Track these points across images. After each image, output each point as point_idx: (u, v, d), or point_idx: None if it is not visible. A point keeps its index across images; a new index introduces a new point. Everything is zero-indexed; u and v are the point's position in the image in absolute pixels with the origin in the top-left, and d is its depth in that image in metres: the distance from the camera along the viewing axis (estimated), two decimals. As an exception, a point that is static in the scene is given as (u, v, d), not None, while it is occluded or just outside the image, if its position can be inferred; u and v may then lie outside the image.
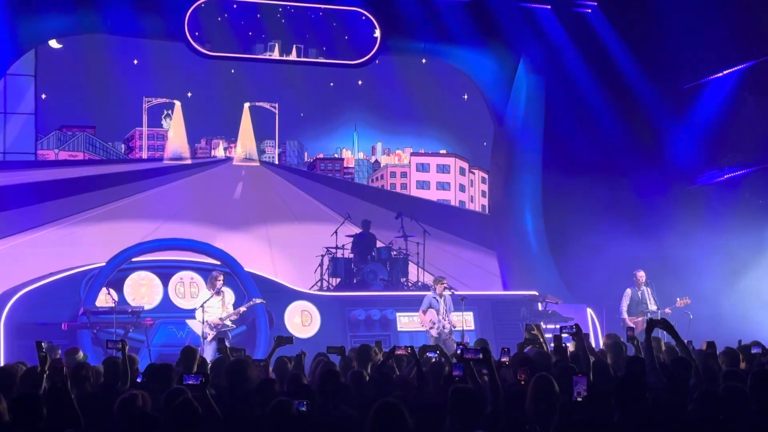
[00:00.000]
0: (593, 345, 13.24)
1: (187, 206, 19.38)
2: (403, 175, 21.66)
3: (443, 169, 21.68)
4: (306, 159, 21.26)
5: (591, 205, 17.91)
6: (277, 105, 20.69)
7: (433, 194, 21.78)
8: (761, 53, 17.59)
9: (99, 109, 19.17)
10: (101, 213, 19.03)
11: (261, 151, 20.95)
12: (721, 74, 18.18)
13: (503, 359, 8.36)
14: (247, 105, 20.51)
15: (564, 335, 8.59)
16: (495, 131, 20.36)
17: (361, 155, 21.56)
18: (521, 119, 19.46)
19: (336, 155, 21.40)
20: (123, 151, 19.87)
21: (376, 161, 21.64)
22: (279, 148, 21.07)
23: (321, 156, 21.25)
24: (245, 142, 20.81)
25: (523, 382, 7.05)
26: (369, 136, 21.56)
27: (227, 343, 10.72)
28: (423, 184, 21.81)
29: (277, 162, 21.04)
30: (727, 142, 18.13)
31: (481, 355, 6.66)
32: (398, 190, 21.50)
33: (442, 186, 21.72)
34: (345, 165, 21.36)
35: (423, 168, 21.87)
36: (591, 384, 6.55)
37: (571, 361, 8.10)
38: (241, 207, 20.16)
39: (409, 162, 21.57)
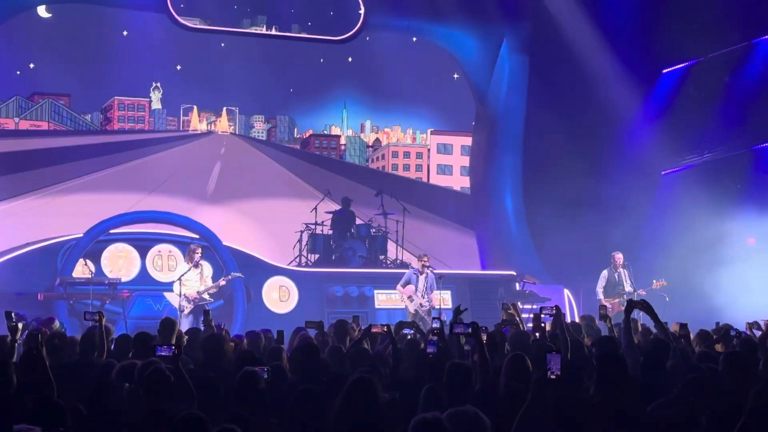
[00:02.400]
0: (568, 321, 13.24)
1: (167, 179, 19.28)
2: (406, 155, 21.35)
3: (469, 151, 21.33)
4: (296, 135, 21.16)
5: (570, 186, 17.90)
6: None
7: (456, 181, 21.23)
8: (741, 39, 17.60)
9: (78, 77, 18.98)
10: (80, 184, 18.92)
11: (250, 126, 20.84)
12: (702, 59, 18.18)
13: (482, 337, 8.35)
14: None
15: (543, 315, 8.62)
16: (477, 111, 20.32)
17: (350, 132, 21.46)
18: (503, 99, 19.41)
19: (325, 131, 21.29)
20: (100, 121, 19.72)
21: (377, 140, 21.48)
22: (269, 123, 20.96)
23: (311, 132, 21.15)
24: (230, 116, 20.71)
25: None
26: (358, 113, 21.47)
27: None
28: (444, 169, 21.47)
29: (266, 137, 20.94)
30: (706, 126, 18.15)
31: (470, 330, 6.66)
32: (401, 171, 21.24)
33: (468, 171, 21.36)
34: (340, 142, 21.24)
35: (445, 150, 21.52)
36: (566, 362, 6.57)
37: (548, 340, 8.13)
38: (221, 181, 20.09)
39: (429, 142, 21.22)
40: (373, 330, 8.67)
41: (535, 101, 18.98)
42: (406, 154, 21.39)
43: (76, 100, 19.45)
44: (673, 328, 9.25)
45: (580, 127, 18.14)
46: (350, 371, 7.20)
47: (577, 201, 17.69)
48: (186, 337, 9.20)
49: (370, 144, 21.55)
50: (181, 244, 15.63)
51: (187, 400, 5.91)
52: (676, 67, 18.57)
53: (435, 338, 7.62)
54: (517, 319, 10.19)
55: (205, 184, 19.89)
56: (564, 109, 18.22)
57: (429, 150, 21.60)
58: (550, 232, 18.00)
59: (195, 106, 20.43)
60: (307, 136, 21.08)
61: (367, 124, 21.52)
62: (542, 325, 8.68)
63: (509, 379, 6.32)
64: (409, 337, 9.22)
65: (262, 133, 20.92)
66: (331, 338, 9.49)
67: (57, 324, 10.81)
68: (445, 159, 21.64)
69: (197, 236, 15.63)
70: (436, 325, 8.08)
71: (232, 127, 20.67)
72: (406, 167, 21.43)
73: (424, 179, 21.87)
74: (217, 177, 20.17)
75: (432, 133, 21.45)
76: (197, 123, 20.42)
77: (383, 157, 21.32)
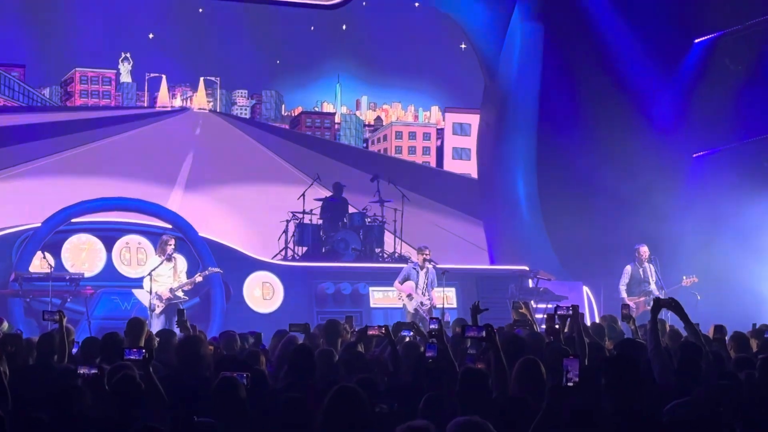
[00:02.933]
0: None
1: (136, 161, 19.27)
2: (412, 135, 21.14)
3: None
4: (284, 112, 21.11)
5: (590, 171, 17.88)
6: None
7: (475, 167, 20.92)
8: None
9: (35, 47, 18.90)
10: (37, 167, 18.88)
11: (231, 103, 20.80)
12: (739, 27, 18.13)
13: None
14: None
15: (559, 315, 8.62)
16: (485, 86, 20.26)
17: (344, 110, 21.40)
18: (515, 73, 19.34)
19: (316, 108, 21.23)
20: (59, 96, 19.67)
21: (378, 119, 21.38)
22: (253, 98, 20.91)
23: (300, 110, 21.06)
24: (209, 90, 20.69)
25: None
26: (353, 88, 21.38)
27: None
28: (461, 153, 21.19)
29: (249, 115, 20.89)
30: (743, 103, 18.11)
31: (484, 333, 6.66)
32: (405, 154, 21.07)
33: None
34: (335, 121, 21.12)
35: (462, 130, 21.27)
36: (584, 367, 6.58)
37: (564, 343, 8.14)
38: (197, 164, 20.07)
39: (434, 120, 21.00)
40: (370, 332, 8.67)
41: (550, 75, 18.93)
42: (412, 135, 21.30)
43: (32, 72, 19.36)
44: (710, 331, 9.27)
45: (600, 104, 18.10)
46: (345, 378, 7.21)
47: (597, 187, 17.68)
48: (157, 339, 9.21)
49: (369, 123, 21.47)
50: (152, 234, 15.62)
51: (159, 409, 5.93)
52: (709, 36, 18.53)
53: (434, 341, 7.64)
54: (530, 319, 10.20)
55: (179, 168, 19.87)
56: (583, 83, 18.19)
57: (441, 130, 21.44)
58: (568, 223, 18.00)
59: (164, 76, 20.35)
60: (297, 113, 21.03)
61: (364, 100, 21.47)
62: (557, 326, 8.69)
63: (520, 386, 6.34)
64: (407, 339, 9.23)
65: (246, 110, 20.89)
66: (320, 341, 9.50)
67: (6, 325, 10.81)
68: (462, 141, 21.53)
69: (170, 226, 15.62)
70: (433, 325, 8.10)
71: (211, 104, 20.63)
72: (412, 150, 21.34)
73: (433, 164, 21.78)
74: (193, 159, 20.15)
75: (447, 111, 21.30)
76: (166, 96, 20.34)
77: (385, 138, 21.24)
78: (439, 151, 21.52)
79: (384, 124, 21.48)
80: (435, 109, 21.72)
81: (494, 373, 6.60)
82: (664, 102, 18.60)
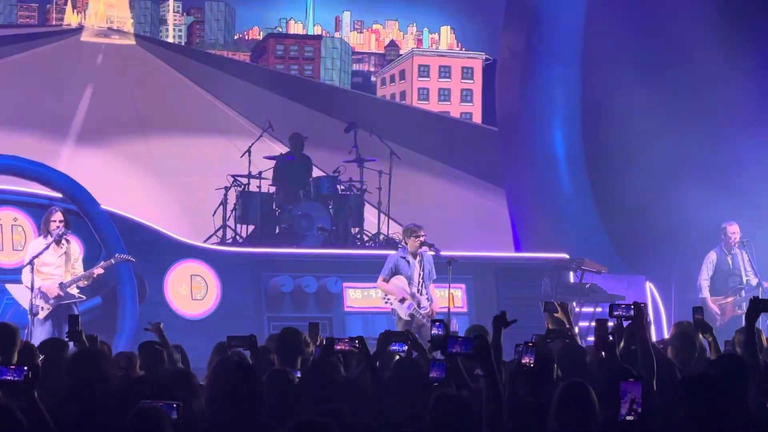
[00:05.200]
0: (654, 338, 13.37)
1: (13, 103, 19.25)
2: (444, 72, 20.89)
3: None
4: (236, 35, 21.08)
5: (659, 119, 17.91)
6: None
7: None
8: None
9: None
10: None
11: (159, 20, 20.75)
12: None
13: (525, 359, 8.35)
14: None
15: (611, 322, 8.61)
16: (508, -2, 20.31)
17: (318, 30, 21.36)
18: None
19: (279, 29, 21.17)
20: None
21: (392, 43, 21.28)
22: (190, 14, 20.87)
23: (256, 31, 21.02)
24: (114, 2, 20.67)
25: None
26: (331, 0, 21.38)
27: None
28: None
29: (185, 41, 20.88)
30: None
31: (472, 349, 6.62)
32: (434, 103, 20.95)
33: None
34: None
35: None
36: (650, 395, 6.57)
37: (621, 360, 8.15)
38: (97, 108, 20.06)
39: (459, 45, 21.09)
40: (338, 347, 8.64)
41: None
42: (444, 71, 21.10)
43: None
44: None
45: (671, 25, 18.08)
46: (306, 410, 7.21)
47: (668, 143, 17.69)
48: (41, 356, 9.20)
49: (356, 49, 21.37)
50: (33, 207, 15.65)
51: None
52: None
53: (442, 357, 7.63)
54: (567, 325, 10.19)
55: (73, 113, 19.87)
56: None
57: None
58: (626, 194, 18.03)
59: None
60: (260, 38, 20.97)
61: (346, 17, 21.43)
62: (611, 337, 8.69)
63: (562, 422, 6.33)
64: (398, 356, 9.21)
65: (180, 31, 20.83)
66: (272, 357, 9.49)
67: None
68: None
69: (59, 195, 15.62)
70: (437, 330, 8.09)
71: (113, 19, 20.57)
72: (444, 95, 21.18)
73: (477, 118, 21.64)
74: (93, 101, 20.16)
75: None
76: (66, 14, 20.34)
77: (402, 76, 21.04)
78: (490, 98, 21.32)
79: (402, 52, 21.30)
80: (446, 30, 21.64)
81: (487, 400, 6.56)
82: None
